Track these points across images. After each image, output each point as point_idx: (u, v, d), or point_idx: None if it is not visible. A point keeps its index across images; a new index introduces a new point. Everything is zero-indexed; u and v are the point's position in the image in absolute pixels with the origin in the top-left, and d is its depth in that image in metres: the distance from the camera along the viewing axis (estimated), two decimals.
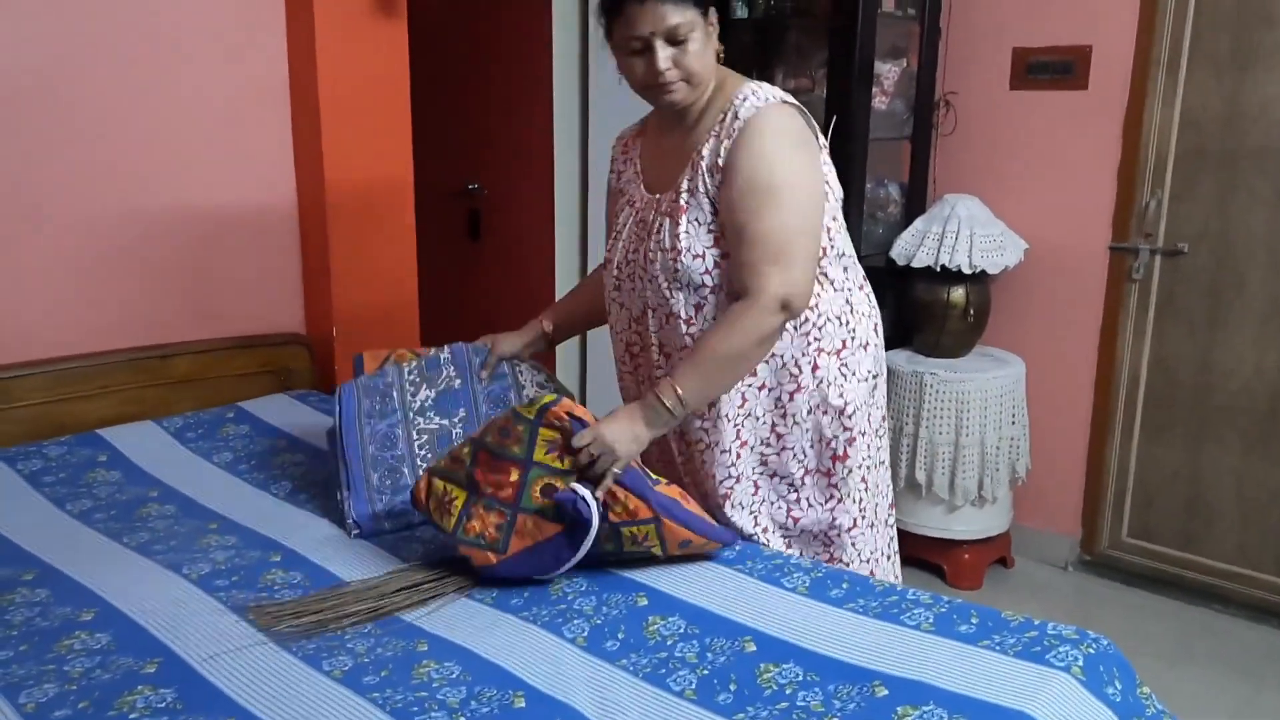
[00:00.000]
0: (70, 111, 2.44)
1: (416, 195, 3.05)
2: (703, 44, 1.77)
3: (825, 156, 1.87)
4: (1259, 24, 2.89)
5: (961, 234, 3.12)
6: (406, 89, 2.93)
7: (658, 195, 1.90)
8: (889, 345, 3.41)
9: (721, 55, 1.84)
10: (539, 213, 3.95)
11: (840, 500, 1.90)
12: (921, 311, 3.28)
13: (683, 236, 1.80)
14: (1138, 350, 3.23)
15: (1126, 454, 3.31)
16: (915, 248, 3.21)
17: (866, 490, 1.92)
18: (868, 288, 1.96)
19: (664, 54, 1.74)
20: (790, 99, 1.82)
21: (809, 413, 1.86)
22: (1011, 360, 3.32)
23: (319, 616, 1.60)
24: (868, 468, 1.92)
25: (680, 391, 1.73)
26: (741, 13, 3.40)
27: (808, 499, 1.90)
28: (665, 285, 1.84)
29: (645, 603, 1.65)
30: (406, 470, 1.99)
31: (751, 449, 1.88)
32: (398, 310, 3.02)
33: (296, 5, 2.72)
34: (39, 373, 2.38)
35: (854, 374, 1.88)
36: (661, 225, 1.84)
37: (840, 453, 1.87)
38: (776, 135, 1.76)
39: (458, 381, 2.11)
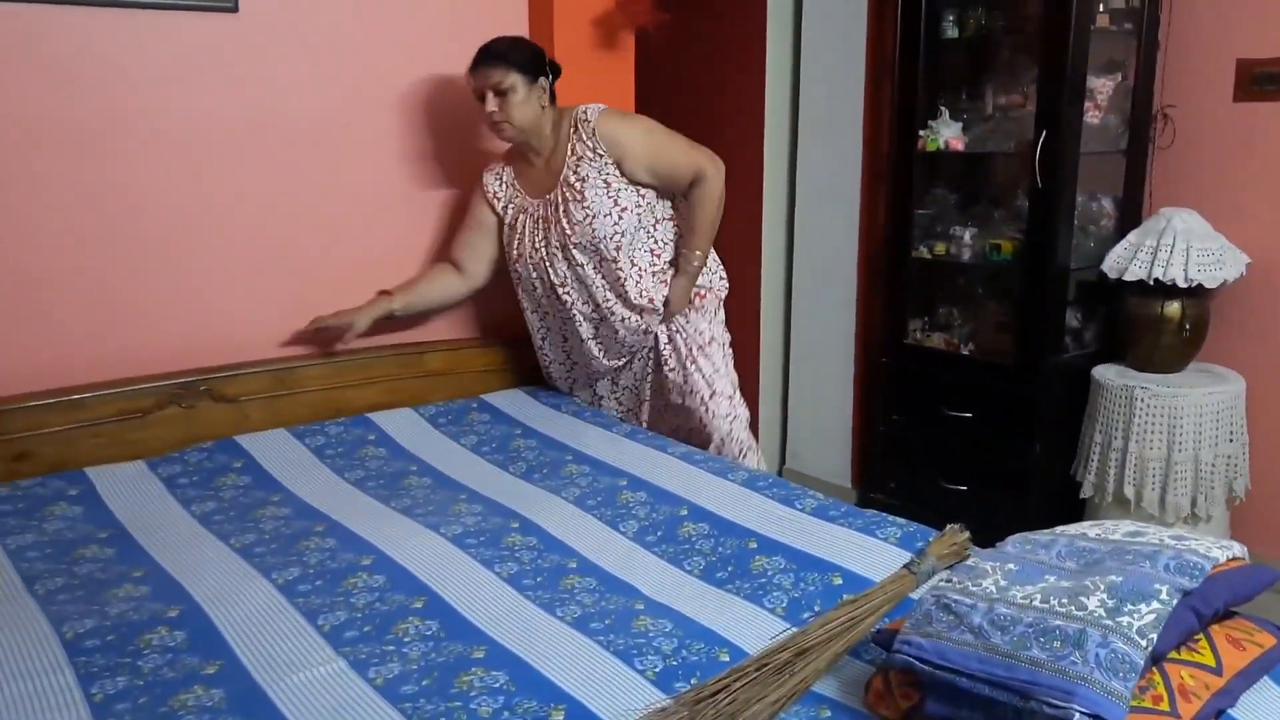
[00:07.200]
0: (356, 143, 2.84)
1: None
2: (524, 99, 2.56)
3: None
4: None
5: (1177, 247, 3.08)
6: (632, 108, 3.21)
7: (546, 197, 2.68)
8: (1099, 360, 3.39)
9: (545, 104, 2.62)
10: (749, 216, 4.16)
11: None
12: (1134, 325, 3.24)
13: (590, 204, 2.60)
14: None
15: None
16: (1128, 261, 3.17)
17: None
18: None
19: (490, 103, 2.56)
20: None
21: None
22: (1230, 377, 3.23)
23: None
24: None
25: (700, 251, 2.71)
26: (952, 33, 3.45)
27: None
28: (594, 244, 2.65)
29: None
30: None
31: None
32: None
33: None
34: (321, 364, 2.78)
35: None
36: (565, 208, 2.62)
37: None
38: (623, 115, 2.70)
39: None
